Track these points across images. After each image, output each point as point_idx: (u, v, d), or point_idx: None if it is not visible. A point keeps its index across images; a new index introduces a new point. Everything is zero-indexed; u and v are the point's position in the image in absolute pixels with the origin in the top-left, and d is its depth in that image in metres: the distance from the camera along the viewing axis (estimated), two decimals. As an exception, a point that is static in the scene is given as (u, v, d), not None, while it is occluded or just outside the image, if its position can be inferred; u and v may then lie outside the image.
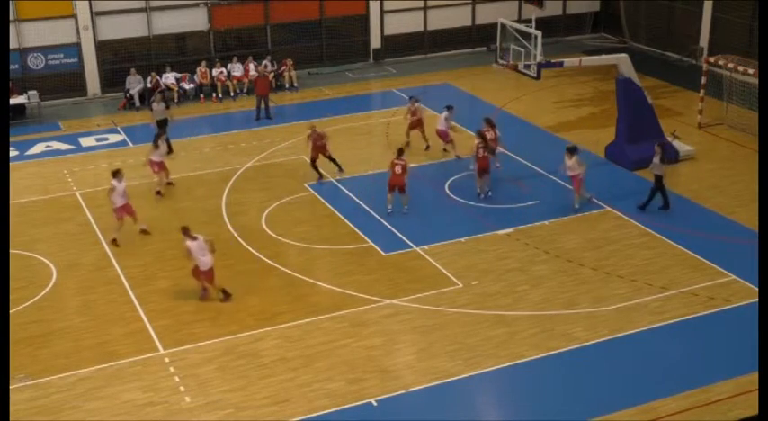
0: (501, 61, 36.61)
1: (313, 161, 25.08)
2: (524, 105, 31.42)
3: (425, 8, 37.52)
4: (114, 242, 21.55)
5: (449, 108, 26.67)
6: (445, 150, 26.83)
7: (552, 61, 26.49)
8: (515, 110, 31.06)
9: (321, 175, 25.13)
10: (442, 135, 26.61)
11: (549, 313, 18.45)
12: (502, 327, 18.05)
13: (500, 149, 25.74)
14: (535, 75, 25.78)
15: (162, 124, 26.97)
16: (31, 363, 17.06)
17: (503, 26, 37.09)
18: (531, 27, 26.30)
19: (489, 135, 24.58)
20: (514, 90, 32.97)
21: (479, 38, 38.32)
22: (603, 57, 27.94)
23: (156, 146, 24.42)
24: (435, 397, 16.04)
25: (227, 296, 19.11)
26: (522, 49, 34.34)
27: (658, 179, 22.52)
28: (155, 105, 27.68)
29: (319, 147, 24.96)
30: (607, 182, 24.65)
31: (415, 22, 37.58)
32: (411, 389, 16.20)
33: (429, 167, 26.11)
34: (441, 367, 16.80)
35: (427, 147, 27.16)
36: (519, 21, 37.24)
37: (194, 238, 18.76)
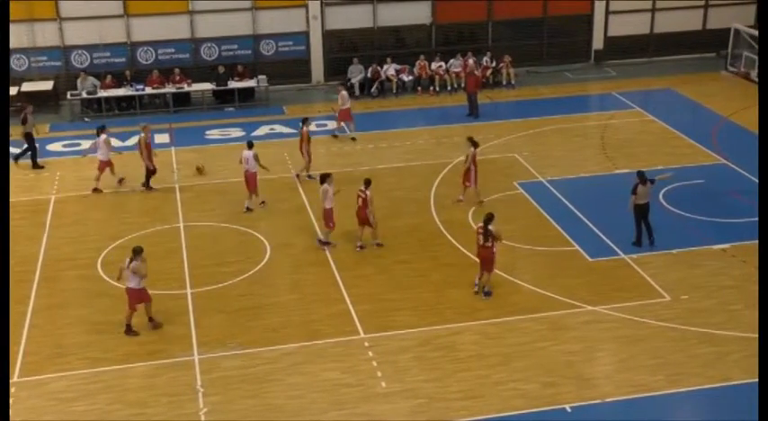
0: (731, 68, 34.91)
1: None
2: (753, 116, 29.65)
3: (653, 9, 36.32)
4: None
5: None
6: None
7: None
8: (743, 120, 29.52)
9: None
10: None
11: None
12: (710, 346, 17.27)
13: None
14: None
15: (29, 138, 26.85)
16: (242, 334, 18.03)
17: (736, 32, 35.39)
18: None
19: (467, 152, 23.21)
20: (743, 99, 31.32)
21: (709, 43, 36.64)
22: None
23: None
24: (632, 410, 15.59)
25: (129, 330, 18.18)
26: (757, 57, 32.55)
27: (636, 209, 20.76)
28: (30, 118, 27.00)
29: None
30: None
31: (642, 23, 36.48)
32: (608, 400, 15.81)
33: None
34: (640, 380, 16.30)
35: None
36: (755, 26, 35.46)
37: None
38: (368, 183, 21.14)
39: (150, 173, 24.87)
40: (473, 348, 17.41)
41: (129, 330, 18.08)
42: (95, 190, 24.90)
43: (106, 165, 24.84)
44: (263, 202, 23.84)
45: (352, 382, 16.45)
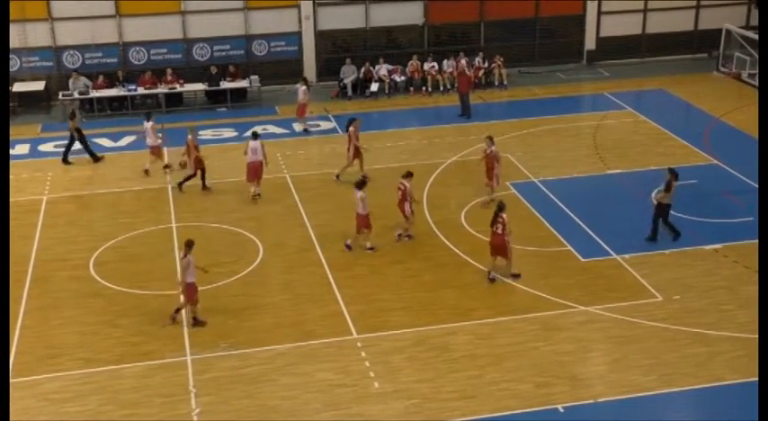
0: (723, 69, 35.04)
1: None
2: (745, 116, 29.85)
3: (645, 10, 36.40)
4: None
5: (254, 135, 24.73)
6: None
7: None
8: (734, 120, 29.63)
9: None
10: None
11: (757, 337, 17.47)
12: (702, 346, 17.32)
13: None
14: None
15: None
16: (235, 334, 18.01)
17: (728, 32, 35.52)
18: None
19: (488, 151, 22.94)
20: (735, 100, 31.45)
21: (701, 44, 36.76)
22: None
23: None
24: (625, 410, 15.61)
25: (197, 323, 18.33)
26: (748, 58, 32.69)
27: (661, 208, 21.06)
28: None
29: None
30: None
31: (634, 24, 36.56)
32: (600, 400, 15.85)
33: (636, 175, 25.39)
34: (633, 381, 16.34)
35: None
36: (746, 27, 35.59)
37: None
38: (408, 174, 21.43)
39: (193, 175, 24.78)
40: (466, 348, 17.43)
41: (198, 322, 18.20)
42: (166, 166, 26.21)
43: (156, 149, 25.92)
44: (258, 195, 24.07)
45: (346, 383, 16.45)
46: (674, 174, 20.93)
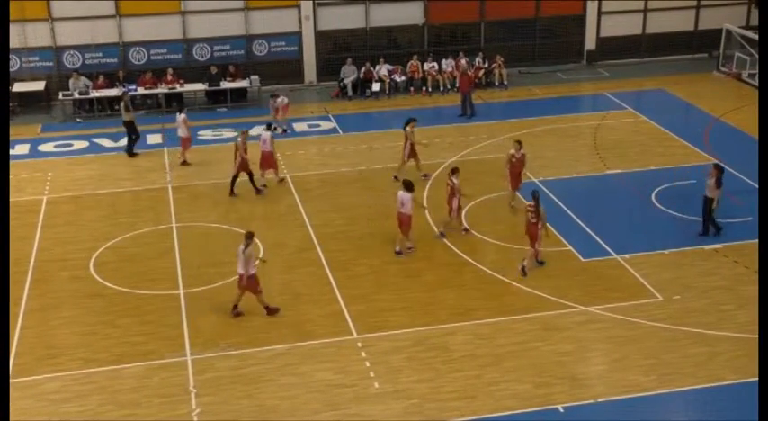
0: (723, 69, 35.06)
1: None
2: (745, 116, 29.85)
3: (645, 10, 36.39)
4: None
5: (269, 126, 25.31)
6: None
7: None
8: (734, 120, 29.62)
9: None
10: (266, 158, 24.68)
11: (757, 337, 17.47)
12: (702, 346, 17.31)
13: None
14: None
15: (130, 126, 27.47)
16: (235, 334, 18.00)
17: (728, 32, 35.54)
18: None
19: (517, 155, 22.85)
20: (736, 100, 31.43)
21: (701, 44, 36.76)
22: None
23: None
24: (625, 410, 15.60)
25: (270, 311, 18.70)
26: (748, 58, 32.75)
27: (708, 202, 21.22)
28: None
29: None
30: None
31: (634, 24, 36.55)
32: (600, 400, 15.84)
33: (636, 175, 25.37)
34: (633, 380, 16.33)
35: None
36: (746, 27, 35.59)
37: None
38: (455, 170, 21.62)
39: (236, 177, 24.51)
40: (466, 348, 17.42)
41: (271, 310, 18.53)
42: (183, 163, 26.67)
43: (187, 141, 26.61)
44: (262, 188, 24.55)
45: (345, 383, 16.44)
46: (719, 168, 21.11)
